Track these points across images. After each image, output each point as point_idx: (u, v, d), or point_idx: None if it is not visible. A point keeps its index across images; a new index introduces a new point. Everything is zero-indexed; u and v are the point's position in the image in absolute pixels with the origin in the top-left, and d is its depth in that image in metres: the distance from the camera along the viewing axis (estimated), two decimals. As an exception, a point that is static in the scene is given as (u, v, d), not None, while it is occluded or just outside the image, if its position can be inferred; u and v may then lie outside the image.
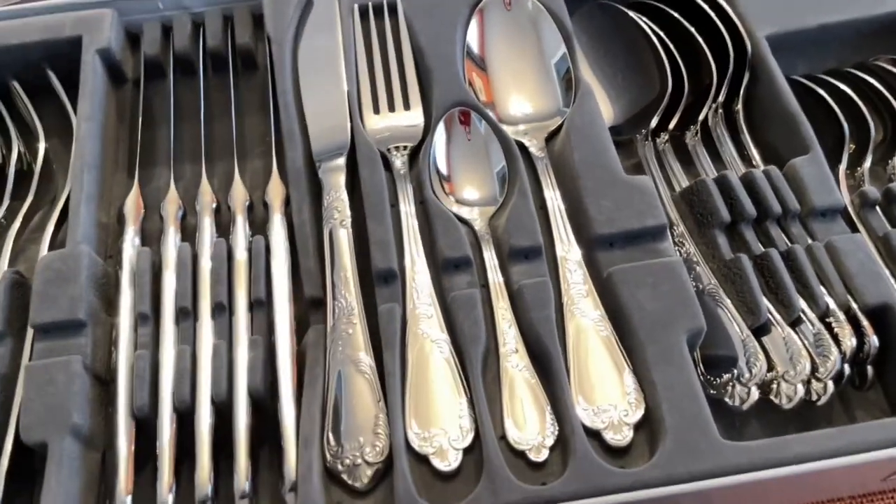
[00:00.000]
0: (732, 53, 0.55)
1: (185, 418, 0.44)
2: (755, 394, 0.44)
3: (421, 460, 0.42)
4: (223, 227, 0.51)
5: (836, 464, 0.40)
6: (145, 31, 0.59)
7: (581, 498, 0.39)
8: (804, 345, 0.45)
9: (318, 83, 0.55)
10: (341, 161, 0.51)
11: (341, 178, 0.50)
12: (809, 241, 0.49)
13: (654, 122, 0.55)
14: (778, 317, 0.46)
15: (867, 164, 0.54)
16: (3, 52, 0.56)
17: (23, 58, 0.57)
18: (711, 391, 0.45)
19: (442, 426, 0.42)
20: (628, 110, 0.56)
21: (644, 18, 0.57)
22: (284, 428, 0.43)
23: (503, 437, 0.42)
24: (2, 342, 0.46)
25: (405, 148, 0.53)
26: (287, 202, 0.51)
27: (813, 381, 0.44)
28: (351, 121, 0.53)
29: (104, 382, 0.46)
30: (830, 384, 0.44)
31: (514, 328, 0.45)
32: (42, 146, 0.56)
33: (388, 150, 0.52)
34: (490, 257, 0.48)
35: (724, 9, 0.57)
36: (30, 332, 0.46)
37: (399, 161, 0.52)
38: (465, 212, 0.50)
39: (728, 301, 0.47)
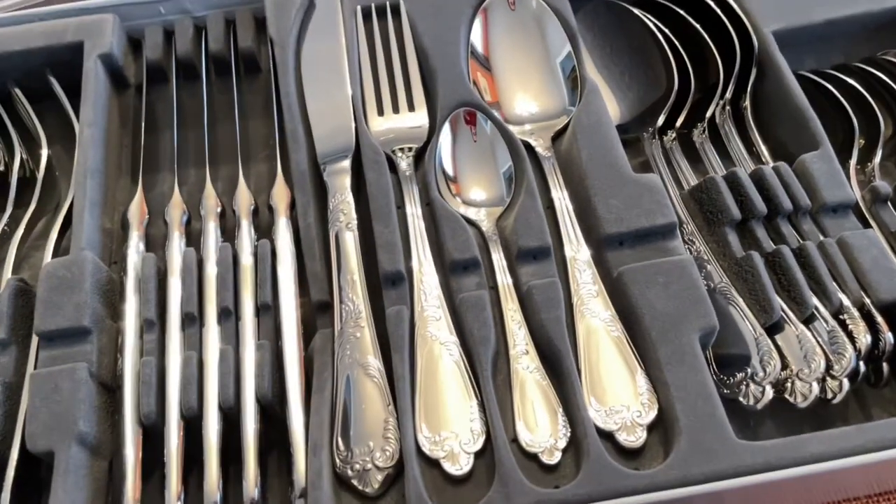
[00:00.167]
0: (739, 49, 0.55)
1: (192, 425, 0.43)
2: (769, 393, 0.43)
3: (432, 464, 0.41)
4: (228, 232, 0.51)
5: (852, 463, 0.40)
6: (147, 35, 0.59)
7: (595, 501, 0.39)
8: (818, 342, 0.44)
9: (322, 85, 0.54)
10: (346, 163, 0.51)
11: (347, 181, 0.50)
12: (821, 237, 0.48)
13: (661, 120, 0.54)
14: (791, 315, 0.45)
15: (877, 158, 0.53)
16: (5, 59, 0.56)
17: (24, 64, 0.57)
18: (725, 391, 0.44)
19: (452, 429, 0.42)
20: (635, 108, 0.56)
21: (649, 15, 0.57)
22: (293, 433, 0.43)
23: (515, 440, 0.42)
24: (6, 350, 0.46)
25: (410, 149, 0.52)
26: (292, 205, 0.51)
27: (828, 379, 0.44)
28: (355, 123, 0.52)
29: (110, 390, 0.45)
30: (846, 382, 0.43)
31: (523, 329, 0.45)
32: (45, 153, 0.56)
33: (394, 151, 0.52)
34: (498, 258, 0.48)
35: (730, 5, 0.56)
36: (34, 340, 0.46)
37: (405, 162, 0.52)
38: (472, 213, 0.50)
39: (740, 299, 0.46)
